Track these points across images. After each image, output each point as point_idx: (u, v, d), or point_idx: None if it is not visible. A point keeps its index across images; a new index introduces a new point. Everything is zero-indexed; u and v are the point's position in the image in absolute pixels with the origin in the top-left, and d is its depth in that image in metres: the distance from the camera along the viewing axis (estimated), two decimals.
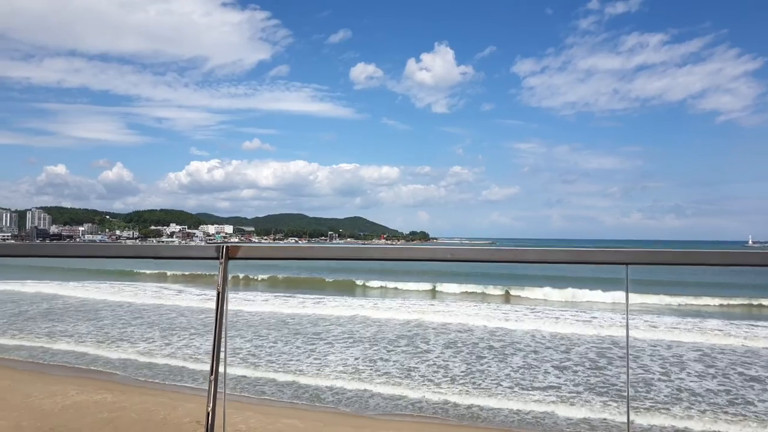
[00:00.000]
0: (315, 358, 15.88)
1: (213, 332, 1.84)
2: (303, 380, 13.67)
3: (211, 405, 1.79)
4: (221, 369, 1.83)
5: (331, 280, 39.18)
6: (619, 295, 25.69)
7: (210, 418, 1.79)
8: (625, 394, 12.61)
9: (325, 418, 11.16)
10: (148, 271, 43.20)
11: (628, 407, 11.19)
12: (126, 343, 17.69)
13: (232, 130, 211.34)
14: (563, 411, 10.87)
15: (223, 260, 1.86)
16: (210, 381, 1.80)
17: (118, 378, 14.04)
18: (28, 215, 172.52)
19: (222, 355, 1.84)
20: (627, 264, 1.94)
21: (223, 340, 1.85)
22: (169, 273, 42.51)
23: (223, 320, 1.87)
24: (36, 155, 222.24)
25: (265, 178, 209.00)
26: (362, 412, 11.58)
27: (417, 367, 14.56)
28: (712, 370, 13.91)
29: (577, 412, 10.79)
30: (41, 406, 11.20)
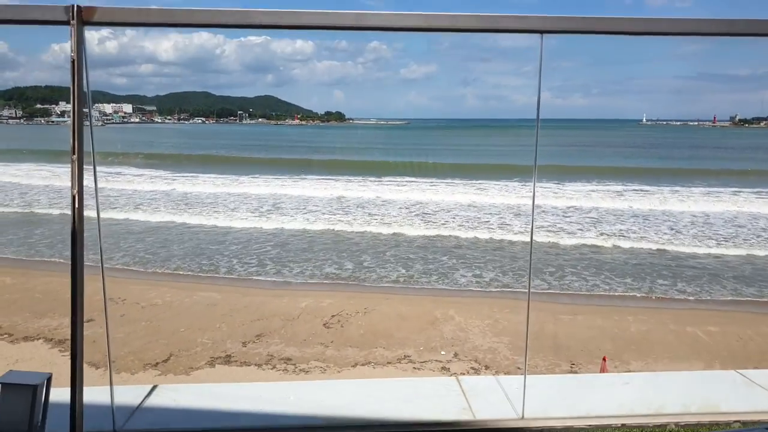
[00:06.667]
0: None
1: (71, 104, 1.54)
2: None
3: (76, 188, 1.54)
4: (86, 148, 1.56)
5: None
6: None
7: (77, 202, 1.54)
8: None
9: (242, 290, 11.17)
10: None
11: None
12: None
13: None
14: None
15: (75, 23, 1.54)
16: (72, 161, 1.53)
17: None
18: None
19: (86, 131, 1.56)
20: (542, 32, 1.81)
21: (87, 111, 1.56)
22: None
23: (83, 93, 1.56)
24: None
25: (165, 52, 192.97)
26: (280, 286, 11.69)
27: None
28: None
29: None
30: None
